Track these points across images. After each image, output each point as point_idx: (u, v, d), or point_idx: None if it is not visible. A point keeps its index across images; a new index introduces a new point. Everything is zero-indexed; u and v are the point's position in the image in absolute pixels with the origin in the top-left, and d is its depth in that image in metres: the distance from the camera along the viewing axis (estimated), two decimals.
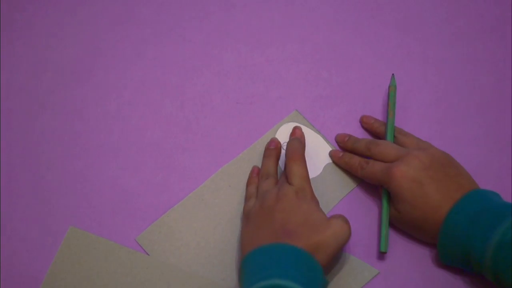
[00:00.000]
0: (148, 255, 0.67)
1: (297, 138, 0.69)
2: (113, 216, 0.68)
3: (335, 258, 0.63)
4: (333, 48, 0.75)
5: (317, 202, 0.64)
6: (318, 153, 0.71)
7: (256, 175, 0.69)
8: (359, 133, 0.72)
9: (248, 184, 0.69)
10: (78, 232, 0.68)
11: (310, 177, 0.66)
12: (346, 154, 0.70)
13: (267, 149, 0.70)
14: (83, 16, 0.76)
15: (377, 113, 0.72)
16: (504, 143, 0.72)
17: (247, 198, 0.68)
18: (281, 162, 0.70)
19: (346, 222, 0.61)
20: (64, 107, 0.72)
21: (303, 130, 0.71)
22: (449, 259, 0.63)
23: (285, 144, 0.69)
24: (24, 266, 0.66)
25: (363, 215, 0.68)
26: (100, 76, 0.74)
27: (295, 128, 0.71)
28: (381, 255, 0.66)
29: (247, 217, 0.65)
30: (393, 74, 0.72)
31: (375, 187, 0.68)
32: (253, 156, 0.71)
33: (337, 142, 0.71)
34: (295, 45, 0.75)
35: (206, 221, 0.68)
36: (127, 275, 0.66)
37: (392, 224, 0.66)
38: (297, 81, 0.74)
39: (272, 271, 0.56)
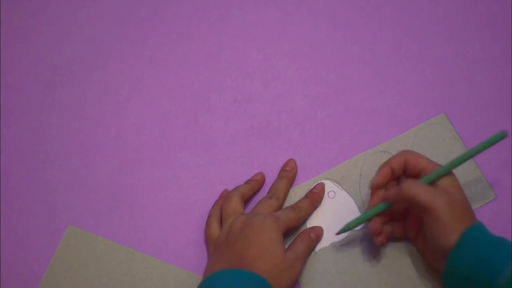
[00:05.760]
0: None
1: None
2: (111, 215, 0.68)
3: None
4: (331, 46, 0.75)
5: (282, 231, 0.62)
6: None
7: (221, 198, 0.68)
8: (358, 129, 0.71)
9: (214, 204, 0.68)
10: (77, 231, 0.68)
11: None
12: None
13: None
14: (82, 16, 0.76)
15: (377, 110, 0.72)
16: (504, 142, 0.71)
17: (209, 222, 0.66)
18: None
19: (301, 260, 0.62)
20: (62, 106, 0.73)
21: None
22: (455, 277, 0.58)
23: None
24: (23, 265, 0.66)
25: None
26: (98, 75, 0.74)
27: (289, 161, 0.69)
28: None
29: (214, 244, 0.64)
30: None
31: None
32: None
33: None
34: (293, 43, 0.75)
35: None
36: (126, 274, 0.66)
37: None
38: (295, 79, 0.74)
39: None
